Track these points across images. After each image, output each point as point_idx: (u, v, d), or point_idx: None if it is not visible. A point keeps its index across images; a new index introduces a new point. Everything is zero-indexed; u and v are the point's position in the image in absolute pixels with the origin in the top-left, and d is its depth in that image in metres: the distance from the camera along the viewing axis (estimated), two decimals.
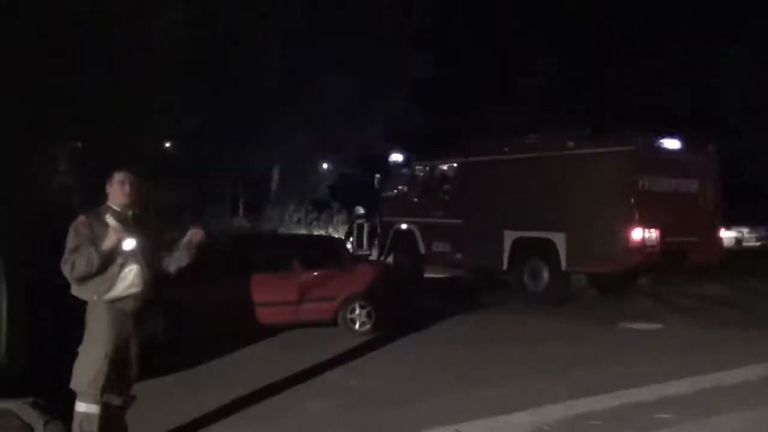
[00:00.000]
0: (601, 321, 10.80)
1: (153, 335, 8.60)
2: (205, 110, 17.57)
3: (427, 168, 15.63)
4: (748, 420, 5.80)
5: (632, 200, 11.50)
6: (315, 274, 9.59)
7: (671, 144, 11.98)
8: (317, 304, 9.49)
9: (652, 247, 11.54)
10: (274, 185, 23.59)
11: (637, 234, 11.43)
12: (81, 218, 4.60)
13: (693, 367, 7.62)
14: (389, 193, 17.10)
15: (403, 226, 16.12)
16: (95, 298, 4.54)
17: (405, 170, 16.55)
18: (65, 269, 4.49)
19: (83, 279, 4.51)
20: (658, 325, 10.48)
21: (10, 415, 5.00)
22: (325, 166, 23.45)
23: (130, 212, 4.70)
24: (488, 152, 13.98)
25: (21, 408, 5.01)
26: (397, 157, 16.75)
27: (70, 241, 4.53)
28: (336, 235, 23.18)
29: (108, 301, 4.55)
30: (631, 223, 11.42)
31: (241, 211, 24.21)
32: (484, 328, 10.24)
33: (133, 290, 4.60)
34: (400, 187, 16.71)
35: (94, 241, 4.50)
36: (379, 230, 18.36)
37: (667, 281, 12.79)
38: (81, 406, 4.47)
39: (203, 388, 6.92)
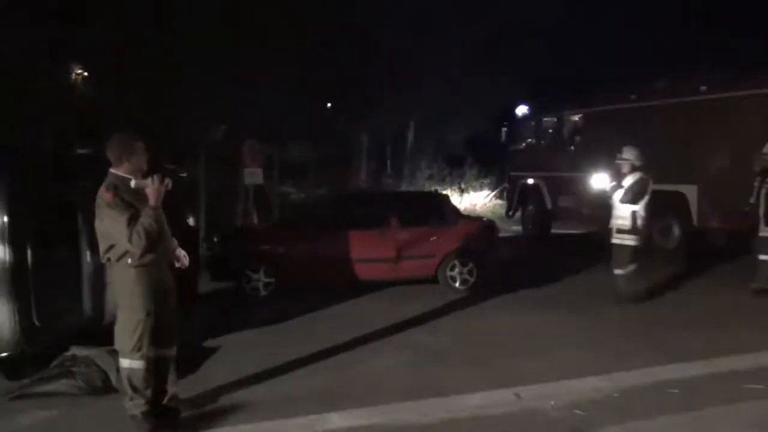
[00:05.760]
0: (730, 282, 9.85)
1: (255, 290, 9.12)
2: (333, 66, 17.70)
3: (553, 119, 14.94)
4: None
5: None
6: (414, 231, 9.54)
7: None
8: (416, 261, 9.47)
9: None
10: (410, 141, 23.61)
11: None
12: (109, 195, 4.46)
13: None
14: (516, 147, 16.60)
15: (530, 181, 15.63)
16: (129, 262, 4.51)
17: (531, 123, 15.93)
18: (134, 241, 4.40)
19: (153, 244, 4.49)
20: None
21: (90, 362, 5.47)
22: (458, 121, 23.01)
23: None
24: (614, 100, 13.09)
25: (100, 355, 5.47)
26: (523, 109, 16.15)
27: (118, 217, 4.40)
28: (471, 193, 22.92)
29: (139, 266, 4.54)
30: None
31: (389, 168, 24.41)
32: (594, 289, 9.64)
33: (161, 247, 4.64)
34: (527, 140, 16.17)
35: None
36: (506, 185, 17.95)
37: None
38: (125, 363, 4.64)
39: (287, 339, 7.19)
